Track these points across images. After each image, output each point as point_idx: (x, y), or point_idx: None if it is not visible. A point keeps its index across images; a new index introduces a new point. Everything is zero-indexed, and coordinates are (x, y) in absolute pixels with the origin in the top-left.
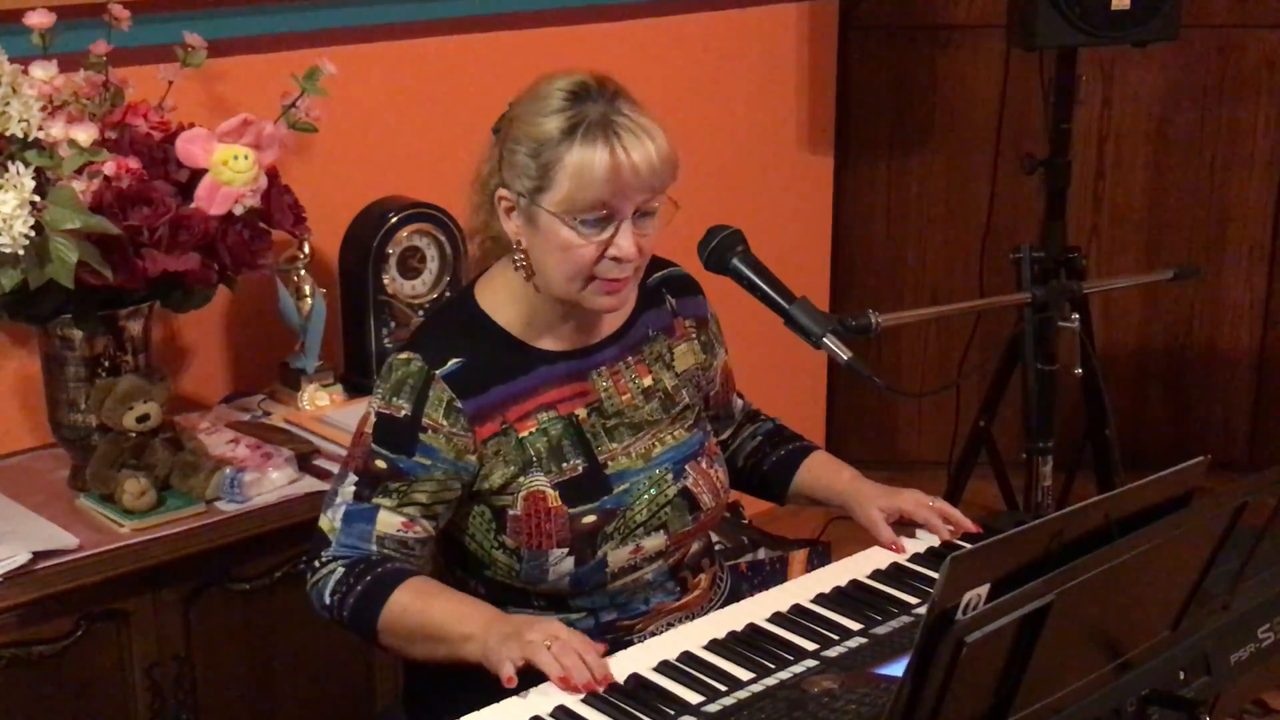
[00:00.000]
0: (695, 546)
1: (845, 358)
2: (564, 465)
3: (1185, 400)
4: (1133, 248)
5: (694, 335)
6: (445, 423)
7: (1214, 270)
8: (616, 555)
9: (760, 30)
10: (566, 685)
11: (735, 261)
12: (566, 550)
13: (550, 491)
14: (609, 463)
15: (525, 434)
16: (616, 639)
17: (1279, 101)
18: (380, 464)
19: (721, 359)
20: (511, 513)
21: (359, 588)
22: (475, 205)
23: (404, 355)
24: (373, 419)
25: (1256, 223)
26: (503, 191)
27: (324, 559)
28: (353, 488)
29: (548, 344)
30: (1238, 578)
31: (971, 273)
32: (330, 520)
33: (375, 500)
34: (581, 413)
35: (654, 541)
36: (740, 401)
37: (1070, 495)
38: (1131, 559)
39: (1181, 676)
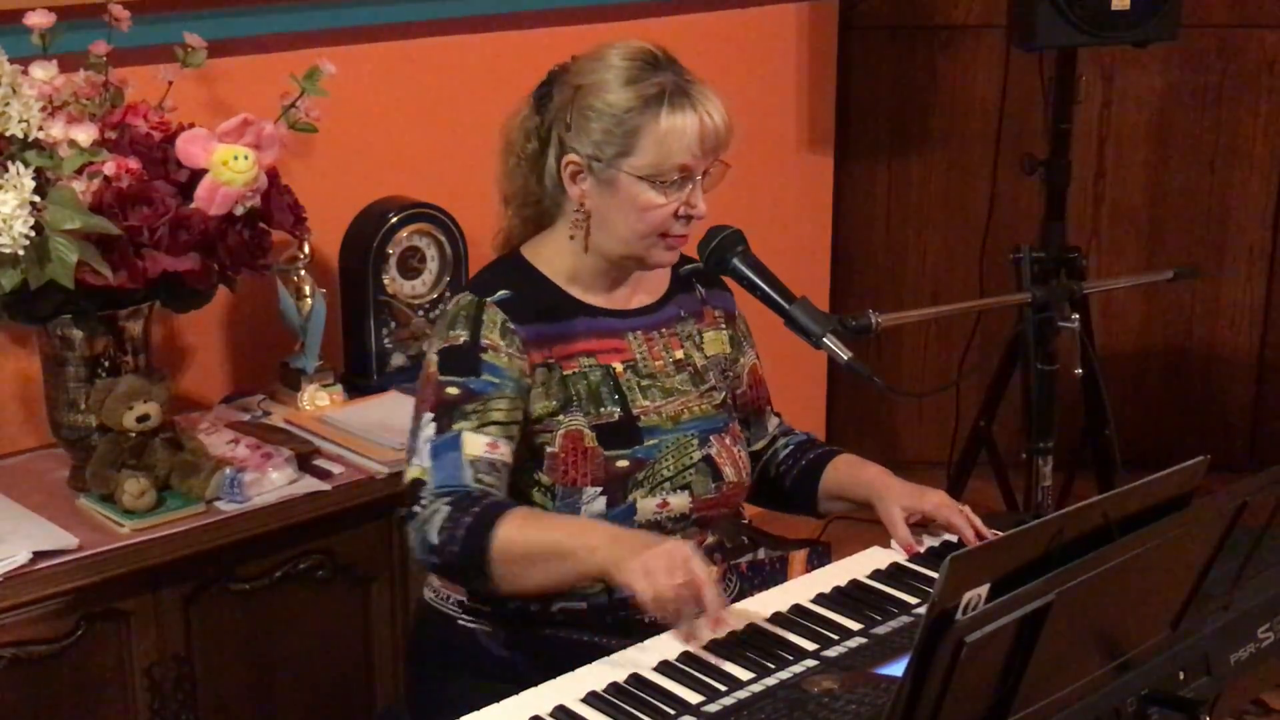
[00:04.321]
0: (709, 539)
1: (845, 358)
2: (601, 410)
3: (1185, 400)
4: (1133, 248)
5: (722, 325)
6: (502, 343)
7: (1214, 270)
8: (645, 504)
9: (760, 30)
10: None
11: (735, 261)
12: (600, 490)
13: (588, 432)
14: (642, 416)
15: (569, 373)
16: (628, 617)
17: (1279, 101)
18: (452, 390)
19: (750, 360)
20: (550, 450)
21: (467, 519)
22: (510, 169)
23: (456, 297)
24: (434, 358)
25: (1256, 223)
26: (572, 157)
27: (425, 501)
28: (432, 425)
29: (588, 299)
30: (1238, 578)
31: (971, 273)
32: (420, 464)
33: (456, 426)
34: (618, 366)
35: (679, 500)
36: (776, 419)
37: (1070, 495)
38: (1131, 559)
39: (1181, 676)
